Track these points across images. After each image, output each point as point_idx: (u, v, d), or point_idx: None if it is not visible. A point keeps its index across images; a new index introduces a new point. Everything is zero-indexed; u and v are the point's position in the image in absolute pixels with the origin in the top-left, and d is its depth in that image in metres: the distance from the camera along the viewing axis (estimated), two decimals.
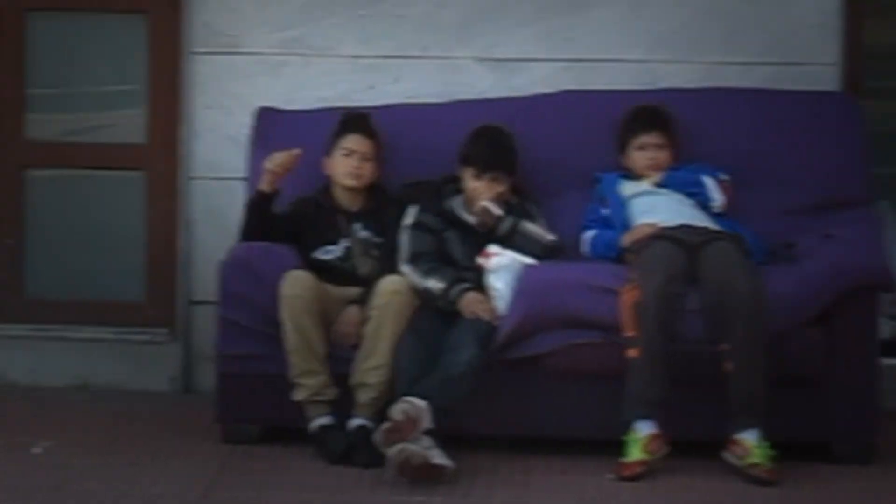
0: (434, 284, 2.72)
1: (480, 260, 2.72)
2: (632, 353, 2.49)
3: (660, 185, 2.94)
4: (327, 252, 2.89)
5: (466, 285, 2.72)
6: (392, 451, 2.38)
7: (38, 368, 3.33)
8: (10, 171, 3.39)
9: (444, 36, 3.32)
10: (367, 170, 2.90)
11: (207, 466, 2.66)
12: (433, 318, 2.73)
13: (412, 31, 3.31)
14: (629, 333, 2.50)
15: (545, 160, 3.01)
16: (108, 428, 3.01)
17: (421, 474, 2.40)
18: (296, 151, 2.80)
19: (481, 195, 2.79)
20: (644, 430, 2.46)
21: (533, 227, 2.84)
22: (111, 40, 3.48)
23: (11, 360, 3.33)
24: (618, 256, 2.83)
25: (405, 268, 2.78)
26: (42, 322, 3.39)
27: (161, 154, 3.37)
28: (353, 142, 2.89)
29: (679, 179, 2.93)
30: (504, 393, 2.70)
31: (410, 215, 2.85)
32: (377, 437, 2.46)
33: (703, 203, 2.90)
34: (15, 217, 3.41)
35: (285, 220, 2.89)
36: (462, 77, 3.31)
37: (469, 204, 2.83)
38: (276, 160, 2.78)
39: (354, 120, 2.96)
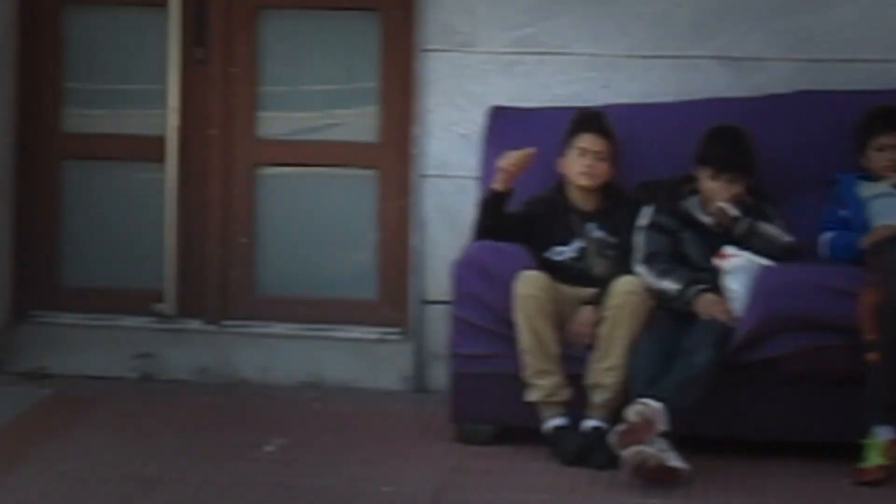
0: (669, 285, 3.38)
1: (716, 261, 3.34)
2: (871, 356, 3.01)
3: None
4: (561, 252, 3.58)
5: (702, 286, 3.34)
6: (627, 453, 3.01)
7: (270, 366, 4.25)
8: (243, 170, 4.35)
9: (679, 34, 3.99)
10: (601, 169, 3.58)
11: (440, 466, 3.32)
12: (668, 320, 3.37)
13: (648, 30, 3.99)
14: (869, 337, 3.02)
15: (782, 161, 3.62)
16: (339, 426, 3.79)
17: (656, 476, 3.03)
18: (530, 150, 3.50)
19: (718, 196, 3.42)
20: (884, 434, 2.99)
21: (770, 228, 3.43)
22: (343, 38, 4.36)
23: (244, 358, 4.27)
24: (857, 258, 3.36)
25: (640, 268, 3.46)
26: (274, 320, 4.31)
27: (393, 152, 4.23)
28: (587, 141, 3.57)
29: None
30: (739, 395, 3.32)
31: (646, 216, 3.51)
32: (612, 438, 3.10)
33: None
34: (248, 215, 4.36)
35: (518, 219, 3.59)
36: (698, 76, 3.97)
37: (705, 204, 3.47)
38: (510, 159, 3.48)
39: (589, 118, 3.64)
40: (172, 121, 4.40)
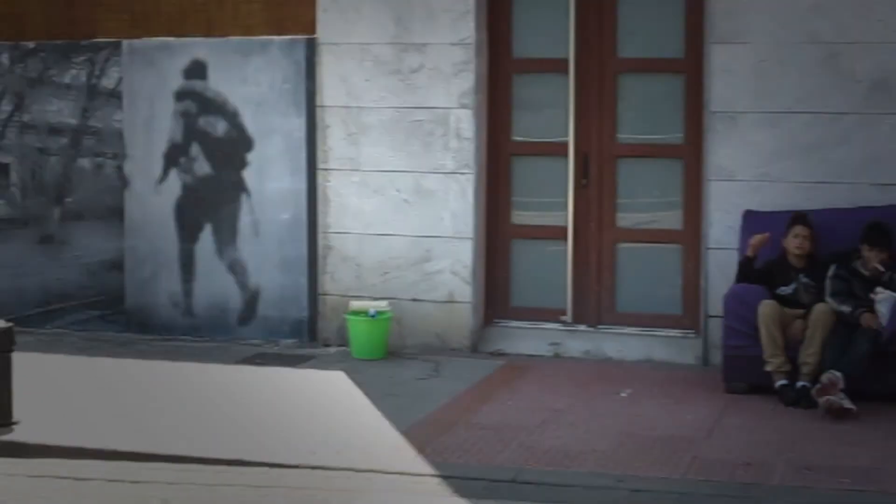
0: (845, 308, 6.18)
1: (872, 296, 6.17)
2: None
3: None
4: (784, 290, 6.53)
5: (864, 309, 6.12)
6: (821, 400, 5.85)
7: (623, 350, 7.60)
8: (608, 245, 7.81)
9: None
10: (807, 245, 6.53)
11: (717, 404, 6.37)
12: (844, 327, 6.20)
13: None
14: None
15: None
16: (662, 382, 6.99)
17: (838, 413, 5.84)
18: (766, 234, 6.53)
19: (871, 260, 6.24)
20: None
21: None
22: (664, 179, 7.87)
23: (609, 346, 7.63)
24: None
25: (829, 299, 6.28)
26: (626, 325, 7.73)
27: (690, 236, 7.63)
28: (798, 230, 6.53)
29: None
30: (888, 369, 6.16)
31: (832, 270, 6.39)
32: (813, 392, 5.97)
33: None
34: (611, 270, 7.84)
35: (761, 272, 6.56)
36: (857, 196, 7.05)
37: (865, 265, 6.29)
38: (755, 239, 6.53)
39: (799, 217, 6.67)
40: (569, 217, 7.96)
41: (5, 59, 9.33)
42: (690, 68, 8.06)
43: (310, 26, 8.59)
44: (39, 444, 6.38)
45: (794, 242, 6.68)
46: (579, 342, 7.96)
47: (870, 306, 6.31)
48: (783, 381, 6.47)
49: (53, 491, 5.81)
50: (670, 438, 6.12)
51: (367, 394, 7.09)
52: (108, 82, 8.87)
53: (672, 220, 8.06)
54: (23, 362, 6.90)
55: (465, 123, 7.90)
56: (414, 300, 8.07)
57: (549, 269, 8.22)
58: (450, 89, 7.95)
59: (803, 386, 6.37)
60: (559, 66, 8.02)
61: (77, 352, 8.51)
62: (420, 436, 6.17)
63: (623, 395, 6.96)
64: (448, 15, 7.92)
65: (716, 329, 7.41)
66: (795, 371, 6.52)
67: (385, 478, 5.75)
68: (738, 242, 7.25)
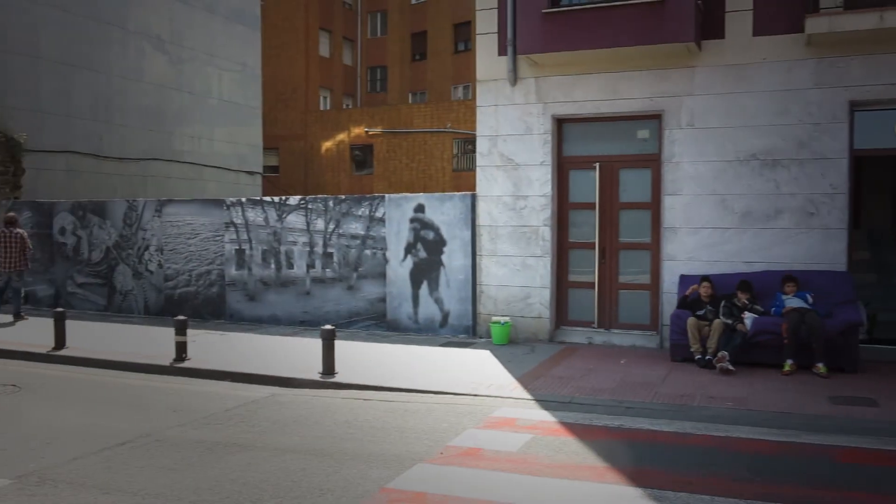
0: (728, 321, 9.40)
1: (742, 315, 9.36)
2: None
3: None
4: (699, 312, 9.68)
5: (738, 321, 9.35)
6: (718, 366, 9.02)
7: None
8: None
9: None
10: (711, 291, 9.64)
11: (666, 368, 9.48)
12: (729, 331, 9.30)
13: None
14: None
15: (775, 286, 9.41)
16: (641, 357, 9.97)
17: (726, 372, 8.88)
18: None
19: (742, 298, 9.47)
20: None
21: (759, 309, 9.35)
22: None
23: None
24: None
25: (721, 317, 9.51)
26: None
27: None
28: (704, 286, 9.70)
29: None
30: (750, 350, 9.11)
31: (723, 303, 9.62)
32: (714, 361, 9.26)
33: None
34: None
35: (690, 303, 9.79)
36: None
37: (738, 300, 9.46)
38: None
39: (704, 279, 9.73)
40: (595, 277, 10.79)
41: (332, 203, 12.46)
42: (654, 207, 10.59)
43: (473, 188, 11.36)
44: (350, 383, 8.47)
45: (704, 290, 9.60)
46: (601, 337, 10.86)
47: (741, 321, 9.19)
48: (699, 357, 9.22)
49: (360, 406, 7.94)
50: (644, 384, 8.18)
51: (499, 361, 9.56)
52: (378, 213, 12.12)
53: (644, 279, 10.81)
54: (338, 346, 9.37)
55: (546, 233, 10.77)
56: (521, 317, 11.03)
57: (586, 302, 11.10)
58: (539, 217, 10.82)
59: (708, 359, 9.07)
60: (591, 206, 10.87)
61: (363, 339, 11.20)
62: (524, 380, 8.42)
63: (622, 362, 9.38)
64: (538, 182, 10.80)
65: (665, 331, 10.13)
66: (705, 351, 9.12)
67: (506, 400, 7.69)
68: (678, 290, 10.07)
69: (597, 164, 10.61)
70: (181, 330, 9.78)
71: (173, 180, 24.29)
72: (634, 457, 5.90)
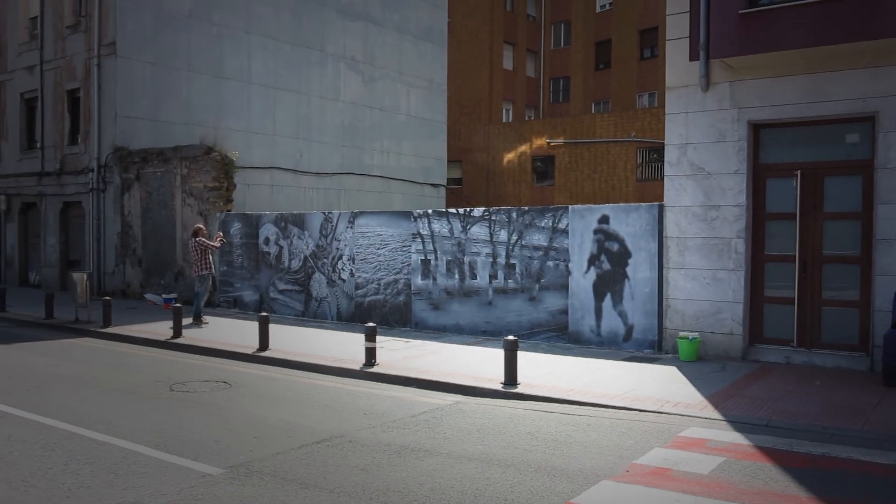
0: None
1: None
2: None
3: None
4: None
5: None
6: None
7: None
8: None
9: None
10: None
11: (875, 393, 8.47)
12: None
13: None
14: None
15: None
16: (844, 380, 9.16)
17: None
18: None
19: None
20: None
21: None
22: None
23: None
24: None
25: None
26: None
27: None
28: None
29: None
30: None
31: None
32: None
33: None
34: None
35: None
36: None
37: None
38: None
39: None
40: (795, 293, 10.16)
41: (515, 214, 12.60)
42: (866, 216, 9.76)
43: (661, 198, 11.05)
44: (532, 395, 8.50)
45: None
46: (800, 356, 10.20)
47: None
48: None
49: (542, 418, 8.09)
50: (853, 409, 7.53)
51: (687, 378, 9.25)
52: (562, 225, 12.10)
53: (852, 295, 10.01)
54: (520, 356, 9.55)
55: (739, 245, 10.24)
56: (711, 332, 10.54)
57: (784, 319, 10.43)
58: (731, 228, 10.31)
59: None
60: (790, 216, 10.18)
61: (544, 351, 11.25)
62: (714, 400, 8.12)
63: (818, 384, 8.79)
64: (731, 191, 10.30)
65: (878, 352, 9.33)
66: None
67: (696, 420, 7.48)
68: (893, 308, 9.16)
69: (798, 172, 10.01)
70: (371, 336, 10.30)
71: (364, 193, 25.65)
72: (845, 490, 5.46)
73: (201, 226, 15.64)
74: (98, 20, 20.06)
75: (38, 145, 22.67)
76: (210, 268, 15.25)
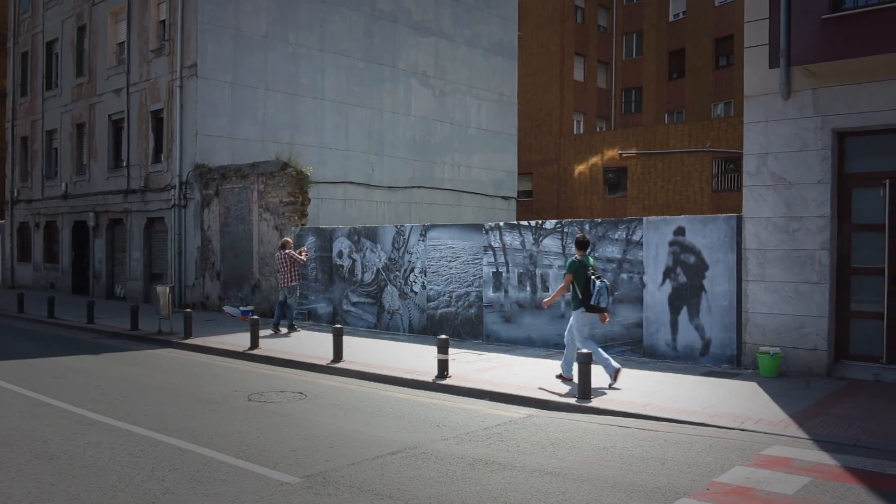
0: None
1: None
2: None
3: None
4: None
5: None
6: None
7: None
8: None
9: None
10: None
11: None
12: None
13: None
14: None
15: None
16: None
17: None
18: None
19: None
20: None
21: None
22: None
23: None
24: None
25: None
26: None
27: None
28: None
29: None
30: None
31: None
32: None
33: None
34: None
35: None
36: None
37: None
38: None
39: None
40: (884, 308, 9.78)
41: (588, 226, 12.51)
42: None
43: (738, 209, 10.84)
44: (606, 409, 8.34)
45: None
46: (891, 374, 9.71)
47: None
48: None
49: (617, 433, 7.95)
50: None
51: (768, 395, 8.96)
52: (636, 237, 11.93)
53: None
54: (593, 370, 9.25)
55: (823, 257, 9.89)
56: (793, 348, 10.12)
57: (872, 334, 10.00)
58: (815, 240, 9.95)
59: None
60: (879, 227, 9.74)
61: (630, 365, 10.53)
62: (798, 418, 7.78)
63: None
64: (814, 202, 9.97)
65: None
66: None
67: (779, 438, 7.19)
68: None
69: (886, 181, 9.59)
70: (443, 349, 10.36)
71: (435, 206, 25.85)
72: None
73: (289, 239, 16.41)
74: (180, 44, 20.98)
75: (124, 164, 23.73)
76: (299, 279, 16.06)
